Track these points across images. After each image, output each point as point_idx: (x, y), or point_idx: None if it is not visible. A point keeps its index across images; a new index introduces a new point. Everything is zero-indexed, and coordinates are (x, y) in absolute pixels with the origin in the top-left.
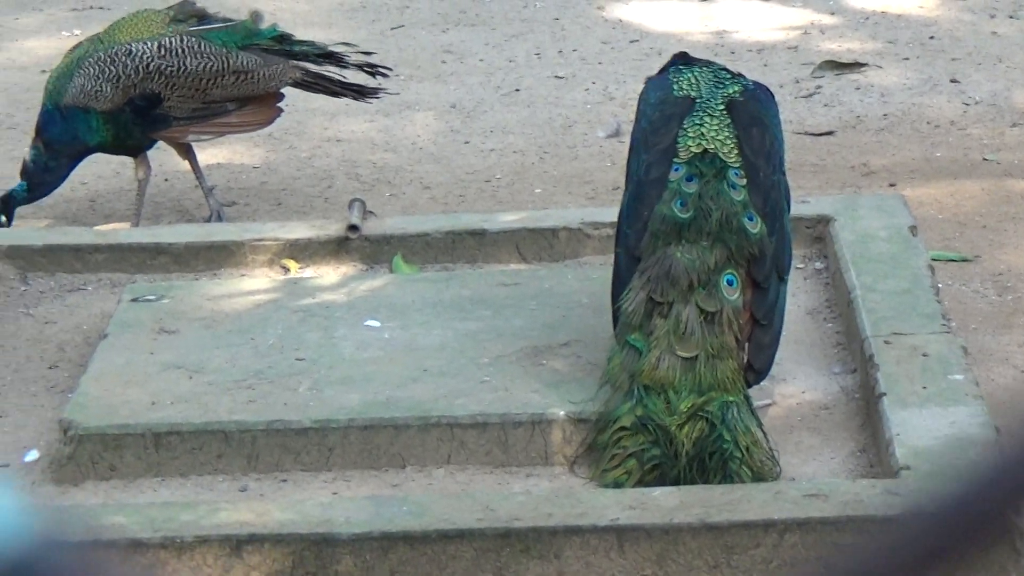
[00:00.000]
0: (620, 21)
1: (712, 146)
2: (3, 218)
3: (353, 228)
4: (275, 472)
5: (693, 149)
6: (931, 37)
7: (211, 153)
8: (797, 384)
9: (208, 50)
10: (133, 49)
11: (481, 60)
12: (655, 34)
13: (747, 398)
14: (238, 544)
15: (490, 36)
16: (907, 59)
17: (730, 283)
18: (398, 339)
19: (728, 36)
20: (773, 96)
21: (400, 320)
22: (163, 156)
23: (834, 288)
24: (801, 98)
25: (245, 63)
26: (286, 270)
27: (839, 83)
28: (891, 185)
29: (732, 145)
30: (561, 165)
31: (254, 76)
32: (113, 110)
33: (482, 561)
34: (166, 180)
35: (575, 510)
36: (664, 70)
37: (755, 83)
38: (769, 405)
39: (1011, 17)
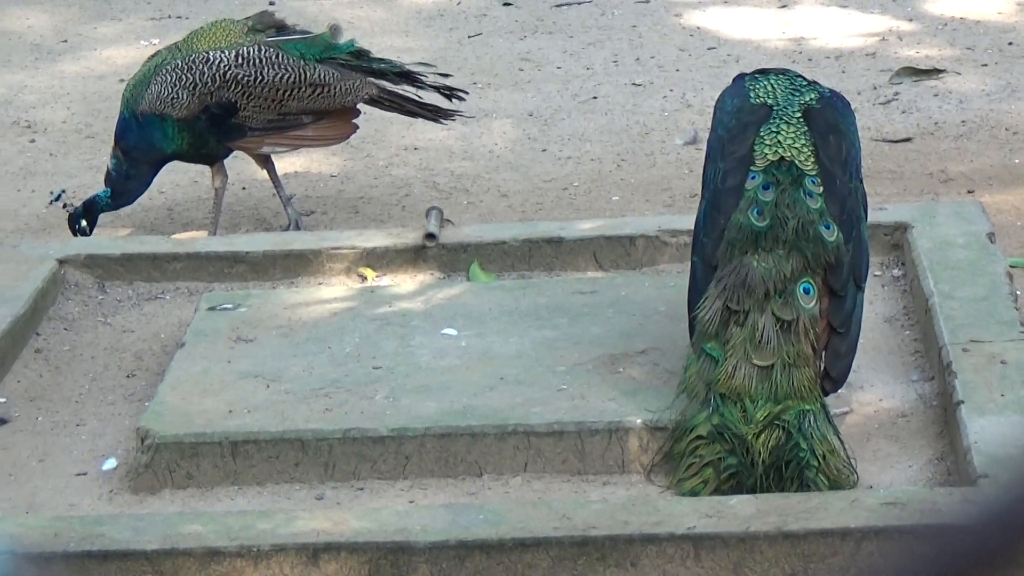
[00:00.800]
0: (698, 28)
1: (789, 154)
2: (84, 223)
3: (430, 236)
4: (352, 480)
5: (770, 157)
6: (1009, 43)
7: (289, 162)
8: (875, 392)
9: (285, 61)
10: (211, 57)
11: (558, 68)
12: (732, 41)
13: (824, 406)
14: (315, 553)
15: (568, 44)
16: (985, 65)
17: (807, 291)
18: (475, 347)
19: (806, 43)
20: (849, 104)
21: (477, 328)
22: (241, 165)
23: (912, 295)
24: (879, 105)
25: (322, 76)
26: (363, 278)
27: (917, 90)
28: (969, 192)
29: (809, 153)
30: (638, 172)
31: (331, 90)
32: (189, 118)
33: (558, 570)
34: (244, 189)
35: (652, 518)
36: (740, 77)
37: (831, 91)
38: (847, 413)
39: None
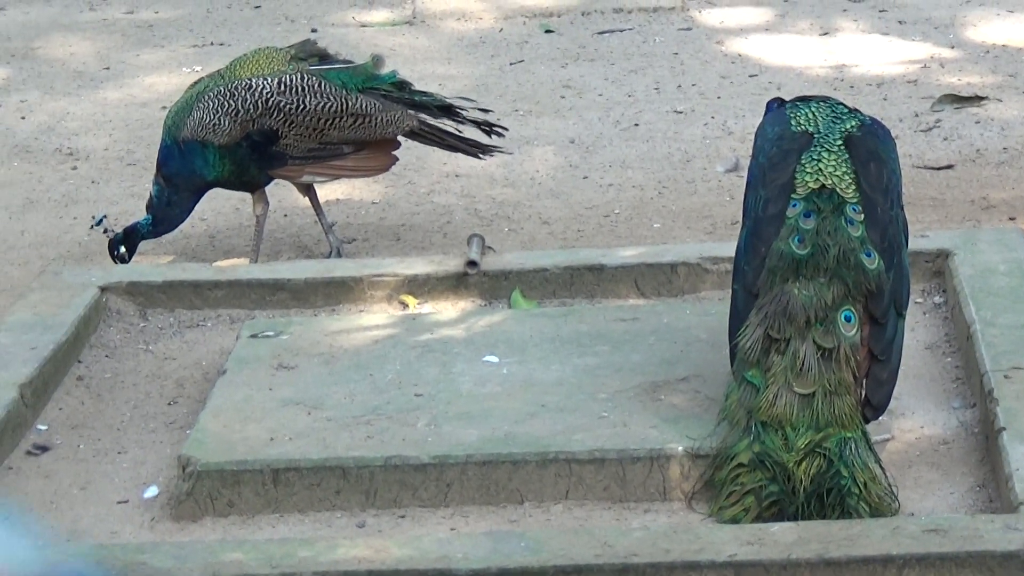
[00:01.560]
0: (739, 55)
1: (830, 182)
2: (123, 249)
3: (472, 263)
4: (393, 508)
5: (811, 185)
6: None
7: (331, 189)
8: (916, 419)
9: (328, 90)
10: (253, 84)
11: (600, 95)
12: (774, 68)
13: (865, 434)
14: None
15: (609, 71)
16: None
17: (848, 319)
18: (516, 374)
19: (848, 70)
20: (889, 131)
21: (518, 355)
22: (282, 192)
23: (953, 322)
24: (920, 132)
25: (364, 106)
26: (404, 306)
27: (959, 117)
28: (1011, 219)
29: (850, 180)
30: (680, 200)
31: (372, 120)
32: (230, 144)
33: None
34: (285, 216)
35: (693, 546)
36: (781, 105)
37: (871, 118)
38: (888, 440)
39: None
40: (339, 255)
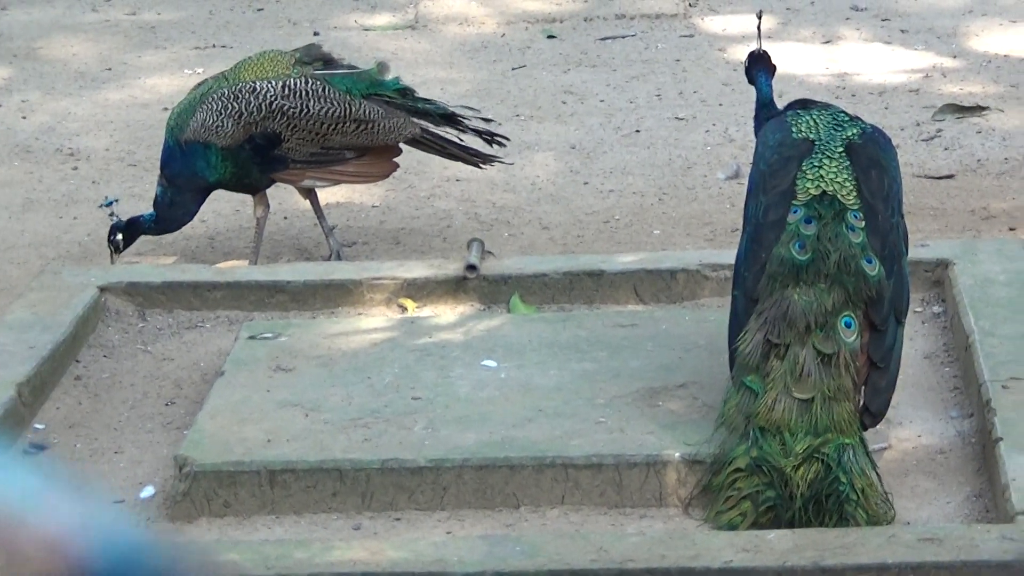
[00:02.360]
0: (741, 63)
1: (831, 188)
2: (120, 237)
3: (471, 268)
4: (389, 511)
5: (812, 191)
6: None
7: (331, 192)
8: (913, 428)
9: (332, 95)
10: (257, 87)
11: (602, 101)
12: (777, 76)
13: (863, 440)
14: None
15: (611, 77)
16: None
17: (848, 325)
18: (514, 379)
19: (850, 78)
20: (890, 139)
21: (516, 360)
22: (282, 194)
23: (952, 332)
24: (922, 141)
25: (367, 112)
26: (403, 309)
27: (960, 126)
28: (1011, 229)
29: (851, 187)
30: (680, 207)
31: (375, 127)
32: (233, 147)
33: None
34: (285, 218)
35: (689, 552)
36: (783, 112)
37: (872, 126)
38: (885, 448)
39: None
40: (339, 258)
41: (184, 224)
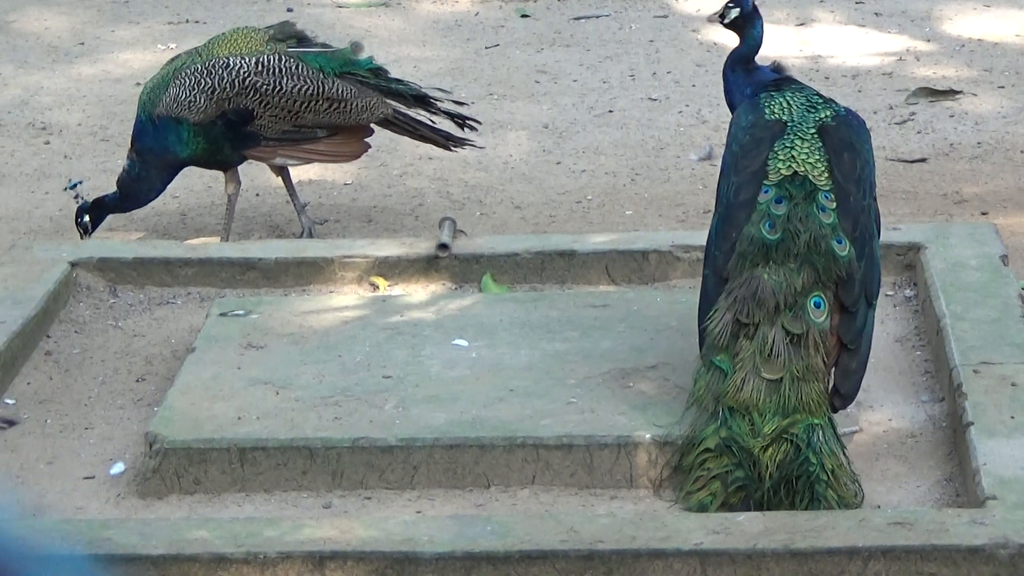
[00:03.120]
0: (715, 44)
1: (803, 169)
2: (87, 218)
3: (443, 247)
4: (359, 489)
5: (783, 171)
6: None
7: (304, 169)
8: (884, 412)
9: (305, 72)
10: (231, 63)
11: (575, 81)
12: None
13: (832, 421)
14: (321, 561)
15: (584, 57)
16: (1002, 87)
17: (817, 305)
18: (485, 359)
19: (823, 61)
20: (864, 122)
21: (488, 340)
22: (254, 171)
23: (923, 316)
24: (894, 124)
25: (340, 91)
26: (375, 287)
27: (933, 110)
28: (983, 214)
29: (823, 168)
30: (652, 187)
31: (347, 106)
32: (205, 122)
33: None
34: (257, 195)
35: (659, 533)
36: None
37: (846, 109)
38: (856, 432)
39: None
40: (311, 235)
41: (149, 201)
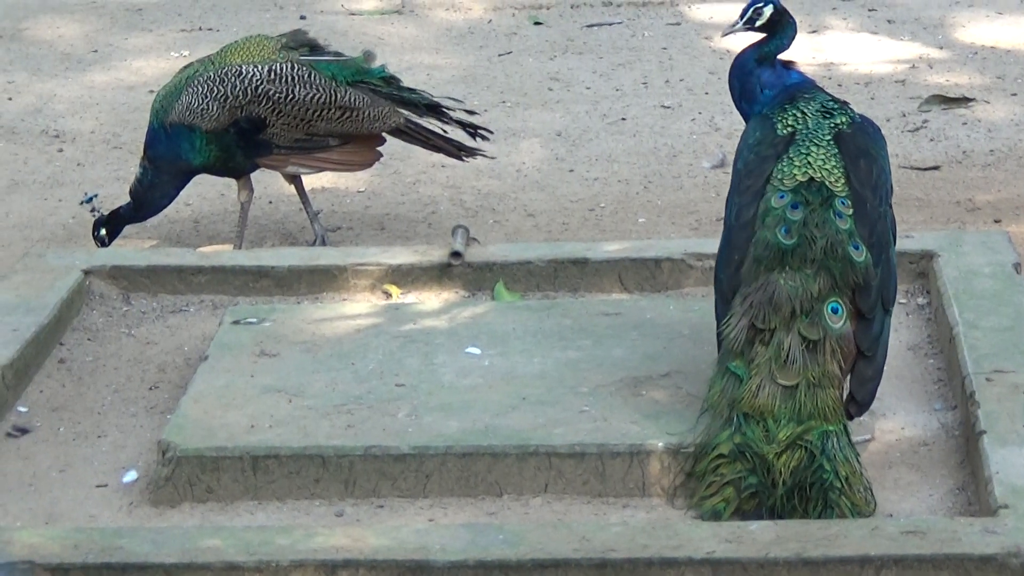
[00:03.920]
0: (728, 52)
1: (819, 175)
2: (104, 231)
3: (456, 254)
4: (372, 498)
5: (799, 177)
6: None
7: (316, 177)
8: (897, 420)
9: (317, 81)
10: (243, 71)
11: (588, 88)
12: None
13: (846, 428)
14: (333, 569)
15: (597, 64)
16: (1015, 95)
17: (835, 311)
18: (498, 367)
19: (836, 68)
20: (879, 129)
21: (500, 348)
22: (267, 179)
23: (936, 324)
24: (907, 132)
25: (352, 100)
26: (388, 295)
27: (946, 118)
28: (996, 221)
29: (839, 174)
30: (665, 195)
31: (359, 115)
32: (217, 130)
33: None
34: (270, 203)
35: (671, 542)
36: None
37: (861, 116)
38: (868, 441)
39: None
40: (324, 243)
41: (162, 208)
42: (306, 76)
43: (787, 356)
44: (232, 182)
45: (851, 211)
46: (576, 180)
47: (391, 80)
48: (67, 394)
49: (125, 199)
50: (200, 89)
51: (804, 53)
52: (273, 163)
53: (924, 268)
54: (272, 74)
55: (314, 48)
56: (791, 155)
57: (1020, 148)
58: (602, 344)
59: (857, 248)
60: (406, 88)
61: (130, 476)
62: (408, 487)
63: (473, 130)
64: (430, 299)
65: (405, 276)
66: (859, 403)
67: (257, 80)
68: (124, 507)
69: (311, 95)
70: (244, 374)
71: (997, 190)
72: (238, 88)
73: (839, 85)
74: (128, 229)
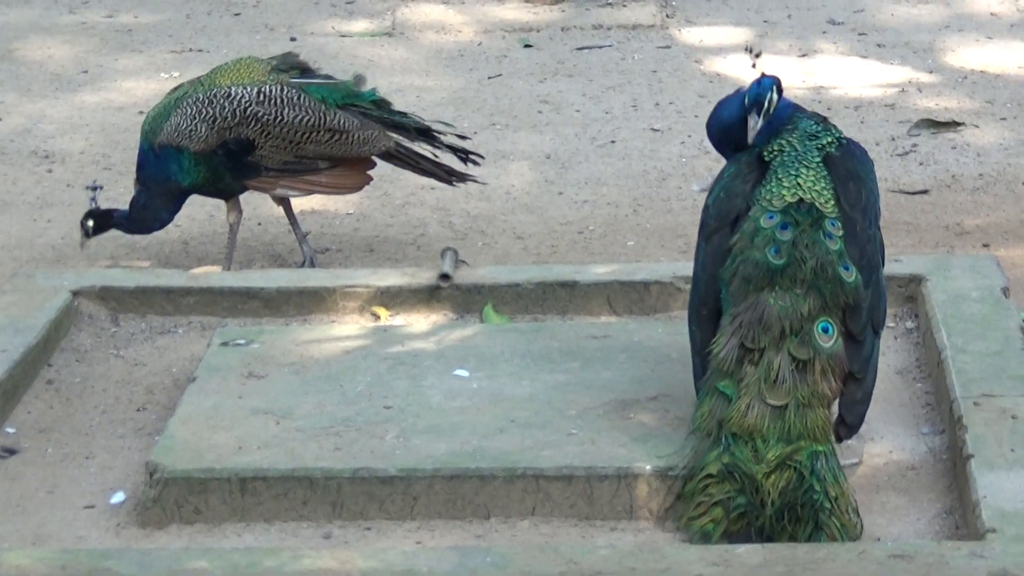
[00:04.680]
0: (718, 75)
1: (809, 196)
2: (91, 223)
3: (445, 277)
4: (359, 520)
5: (788, 198)
6: None
7: (306, 199)
8: (885, 444)
9: (307, 103)
10: (232, 92)
11: (577, 111)
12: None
13: (835, 449)
14: None
15: (587, 87)
16: (1004, 119)
17: (825, 330)
18: (486, 389)
19: (826, 92)
20: (866, 151)
21: (489, 370)
22: (257, 200)
23: (924, 348)
24: (897, 156)
25: (342, 122)
26: (376, 317)
27: (935, 142)
28: (985, 246)
29: (829, 196)
30: (655, 218)
31: (349, 137)
32: (206, 151)
33: None
34: (259, 224)
35: (659, 565)
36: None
37: (847, 138)
38: (857, 464)
39: None
40: (312, 265)
41: (155, 230)
42: (295, 98)
43: (776, 376)
44: (221, 203)
45: (841, 232)
46: (565, 203)
47: (382, 103)
48: (55, 415)
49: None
50: (189, 110)
51: (794, 77)
52: (262, 185)
53: (913, 292)
54: (261, 96)
55: (304, 71)
56: (779, 175)
57: (1009, 172)
58: (590, 367)
59: (847, 269)
60: (397, 112)
61: (118, 497)
62: (396, 509)
63: (464, 155)
64: (419, 321)
65: (394, 298)
66: (848, 426)
67: (246, 102)
68: (112, 528)
69: (300, 117)
70: (232, 396)
71: (986, 214)
72: (227, 110)
73: (828, 108)
74: (118, 250)
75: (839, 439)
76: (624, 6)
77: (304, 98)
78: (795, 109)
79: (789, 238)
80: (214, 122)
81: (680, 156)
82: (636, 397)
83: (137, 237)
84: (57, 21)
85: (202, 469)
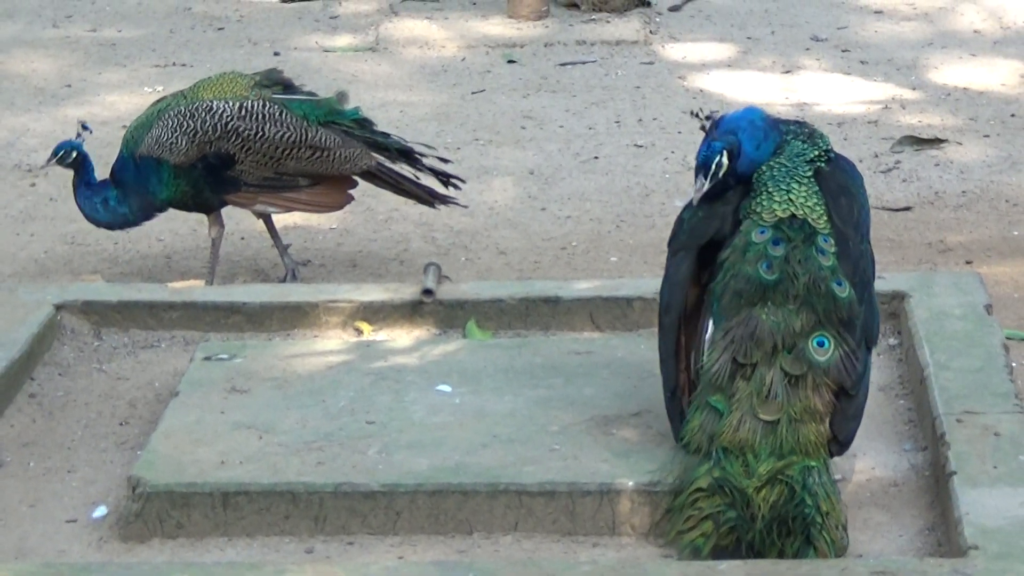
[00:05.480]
0: (701, 91)
1: (801, 212)
2: (71, 155)
3: (428, 292)
4: (342, 535)
5: (779, 213)
6: (1012, 115)
7: (288, 214)
8: (867, 460)
9: (288, 120)
10: (214, 107)
11: (561, 127)
12: (736, 104)
13: (827, 464)
14: None
15: (570, 103)
16: (987, 136)
17: (821, 344)
18: (469, 404)
19: (809, 108)
20: (855, 166)
21: (471, 385)
22: (239, 215)
23: (907, 365)
24: (880, 173)
25: (323, 140)
26: (359, 332)
27: (918, 159)
28: (967, 263)
29: (821, 212)
30: (637, 234)
31: (330, 155)
32: (185, 164)
33: None
34: (242, 239)
35: None
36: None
37: (835, 153)
38: (840, 481)
39: None
40: (295, 279)
41: (114, 227)
42: (277, 114)
43: (768, 391)
44: (204, 218)
45: (834, 249)
46: (548, 218)
47: (364, 123)
48: (37, 429)
49: (103, 235)
50: (170, 123)
51: (777, 94)
52: (241, 200)
53: (895, 309)
54: (243, 111)
55: (288, 87)
56: (770, 189)
57: (992, 190)
58: (573, 383)
59: (840, 284)
60: (379, 132)
61: (100, 511)
62: (378, 524)
63: (445, 178)
64: (401, 336)
65: (376, 313)
66: (841, 442)
67: (227, 116)
68: (94, 542)
69: (281, 133)
70: (215, 410)
71: (969, 231)
72: (208, 123)
73: None
74: (100, 264)
75: (831, 455)
76: (608, 22)
77: (286, 114)
78: (781, 137)
79: (781, 254)
80: (195, 135)
81: (663, 172)
82: (619, 413)
83: (121, 251)
84: (40, 35)
85: (184, 483)
